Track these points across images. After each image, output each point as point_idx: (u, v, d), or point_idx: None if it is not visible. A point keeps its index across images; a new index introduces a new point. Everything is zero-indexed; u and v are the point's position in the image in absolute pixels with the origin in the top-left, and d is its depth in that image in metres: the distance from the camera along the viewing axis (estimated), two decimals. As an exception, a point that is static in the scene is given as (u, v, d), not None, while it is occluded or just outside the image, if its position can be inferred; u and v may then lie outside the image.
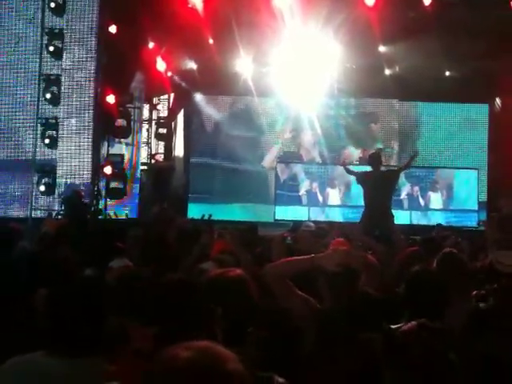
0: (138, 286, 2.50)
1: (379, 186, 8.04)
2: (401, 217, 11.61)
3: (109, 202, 11.06)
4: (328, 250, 2.62)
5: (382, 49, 12.72)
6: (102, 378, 1.92)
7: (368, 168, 8.78)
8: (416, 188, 13.95)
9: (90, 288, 2.12)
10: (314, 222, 9.31)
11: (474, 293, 3.04)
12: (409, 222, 13.03)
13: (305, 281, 2.69)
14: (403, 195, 13.69)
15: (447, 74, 13.58)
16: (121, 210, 11.02)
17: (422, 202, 14.00)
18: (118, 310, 2.27)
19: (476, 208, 13.80)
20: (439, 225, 10.06)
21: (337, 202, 14.11)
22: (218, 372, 1.13)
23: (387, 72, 13.52)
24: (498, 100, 14.40)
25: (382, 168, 8.78)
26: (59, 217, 9.40)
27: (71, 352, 1.92)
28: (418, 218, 13.44)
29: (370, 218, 7.91)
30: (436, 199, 14.06)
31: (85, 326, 1.97)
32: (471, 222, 13.49)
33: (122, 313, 2.30)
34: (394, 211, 8.42)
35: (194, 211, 13.50)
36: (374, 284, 2.67)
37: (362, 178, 8.52)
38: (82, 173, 10.64)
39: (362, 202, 8.78)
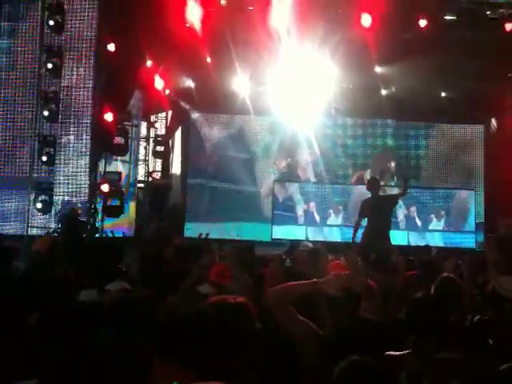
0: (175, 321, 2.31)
1: (377, 211, 8.11)
2: (398, 237, 11.61)
3: (107, 224, 11.02)
4: (329, 275, 2.61)
5: (378, 69, 12.83)
6: None
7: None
8: (413, 208, 13.97)
9: (87, 314, 2.09)
10: (312, 241, 9.30)
11: (476, 318, 3.03)
12: (406, 243, 13.03)
13: (306, 305, 2.67)
14: (400, 216, 13.70)
15: (443, 94, 13.69)
16: (119, 232, 10.92)
17: (418, 222, 14.01)
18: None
19: (473, 229, 13.82)
20: (427, 245, 10.12)
21: (336, 222, 14.10)
22: None
23: (383, 92, 13.62)
24: (493, 121, 14.50)
25: (381, 193, 8.83)
26: (55, 234, 9.36)
27: (66, 380, 1.90)
28: (415, 239, 13.43)
29: (368, 240, 7.94)
30: (433, 220, 14.07)
31: (81, 352, 1.94)
32: (469, 243, 13.49)
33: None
34: (390, 231, 8.46)
35: (191, 230, 13.50)
36: (374, 309, 2.66)
37: (363, 210, 8.59)
38: (79, 190, 10.61)
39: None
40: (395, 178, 14.57)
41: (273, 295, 2.63)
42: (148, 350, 2.56)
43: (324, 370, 2.36)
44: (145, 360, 2.46)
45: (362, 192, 12.71)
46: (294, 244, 9.44)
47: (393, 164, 14.81)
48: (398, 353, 2.41)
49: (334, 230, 13.98)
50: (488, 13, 11.17)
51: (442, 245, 12.95)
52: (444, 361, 2.05)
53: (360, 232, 8.36)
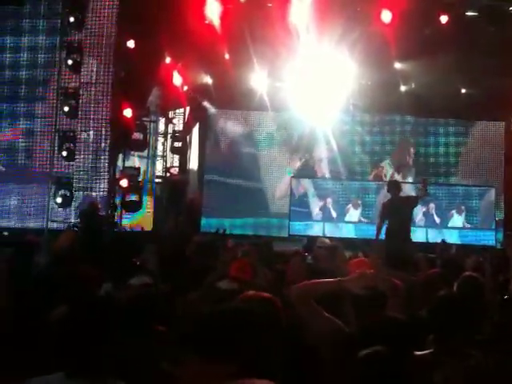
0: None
1: (397, 212, 8.08)
2: (416, 234, 11.53)
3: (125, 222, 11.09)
4: (354, 273, 2.61)
5: (397, 65, 12.73)
6: None
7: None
8: (432, 205, 13.86)
9: (108, 310, 2.10)
10: (329, 238, 9.28)
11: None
12: (425, 240, 12.94)
13: (330, 303, 2.67)
14: (419, 213, 13.60)
15: (463, 91, 13.55)
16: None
17: (437, 219, 13.90)
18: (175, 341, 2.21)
19: (493, 226, 13.68)
20: (443, 241, 10.03)
21: (353, 218, 14.05)
22: None
23: (402, 88, 13.52)
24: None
25: (401, 194, 8.78)
26: (75, 229, 9.45)
27: (90, 373, 1.92)
28: (433, 236, 13.32)
29: (389, 240, 7.93)
30: (452, 217, 13.95)
31: (102, 347, 1.96)
32: (489, 240, 13.36)
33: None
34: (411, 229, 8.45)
35: (208, 225, 13.55)
36: (400, 307, 2.65)
37: (383, 211, 8.56)
38: (98, 185, 10.71)
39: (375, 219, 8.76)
40: (413, 172, 14.48)
41: (297, 292, 2.63)
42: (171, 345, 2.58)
43: (349, 367, 2.36)
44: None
45: (379, 189, 12.69)
46: (311, 240, 9.43)
47: (411, 155, 14.69)
48: (421, 352, 2.39)
49: (351, 226, 13.93)
50: (510, 9, 11.03)
51: (462, 242, 12.83)
52: (473, 361, 2.04)
53: (383, 232, 8.32)
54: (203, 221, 14.19)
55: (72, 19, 10.73)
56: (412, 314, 2.81)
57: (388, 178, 13.95)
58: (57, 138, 10.62)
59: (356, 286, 2.42)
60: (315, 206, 14.20)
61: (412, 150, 14.73)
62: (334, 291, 2.54)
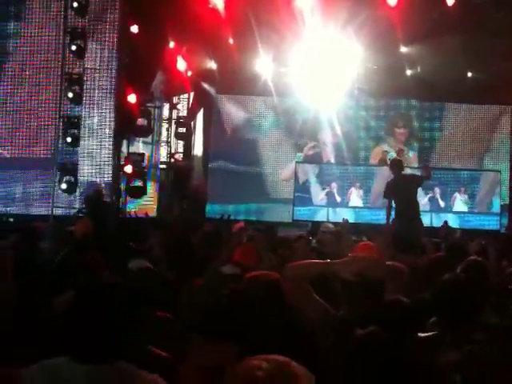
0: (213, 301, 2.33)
1: (402, 190, 7.98)
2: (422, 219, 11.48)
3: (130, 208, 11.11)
4: (346, 257, 2.56)
5: (403, 49, 12.64)
6: (130, 380, 1.92)
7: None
8: (437, 190, 13.82)
9: (114, 293, 2.10)
10: (333, 223, 9.27)
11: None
12: (429, 224, 12.91)
13: (323, 285, 2.68)
14: (425, 198, 13.55)
15: (469, 75, 13.44)
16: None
17: (442, 204, 13.87)
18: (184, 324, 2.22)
19: (498, 211, 13.65)
20: (446, 222, 9.97)
21: (357, 203, 14.04)
22: None
23: (408, 72, 13.42)
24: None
25: (404, 172, 8.70)
26: (80, 215, 9.47)
27: (95, 357, 1.92)
28: (438, 221, 13.31)
29: (397, 221, 7.86)
30: (457, 201, 13.91)
31: (109, 331, 1.96)
32: (493, 225, 13.33)
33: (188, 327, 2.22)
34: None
35: (212, 211, 13.57)
36: (401, 291, 2.63)
37: (386, 190, 8.46)
38: (102, 171, 10.72)
39: (381, 204, 8.70)
40: (417, 156, 14.42)
41: (290, 271, 2.59)
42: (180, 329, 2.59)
43: (335, 349, 2.38)
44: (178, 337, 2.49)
45: (384, 173, 12.62)
46: (316, 225, 9.43)
47: (417, 145, 14.64)
48: (425, 334, 2.38)
49: (356, 211, 13.92)
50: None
51: (466, 227, 12.80)
52: (476, 346, 2.03)
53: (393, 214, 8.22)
54: (208, 207, 14.21)
55: (76, 4, 10.68)
56: (415, 297, 2.80)
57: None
58: (61, 124, 10.61)
59: (345, 271, 2.37)
60: (320, 192, 14.19)
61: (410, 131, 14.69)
62: (322, 273, 2.51)
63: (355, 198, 14.08)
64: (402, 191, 7.97)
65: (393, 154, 14.39)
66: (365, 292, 2.44)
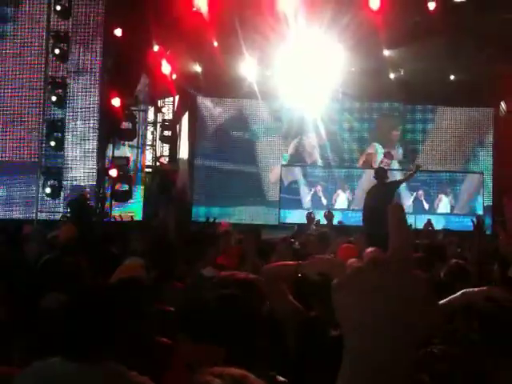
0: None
1: (379, 197, 8.09)
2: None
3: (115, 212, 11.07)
4: (312, 258, 2.59)
5: (386, 52, 12.73)
6: (119, 381, 1.94)
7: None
8: (420, 192, 13.95)
9: (104, 293, 2.13)
10: (319, 225, 9.32)
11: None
12: (413, 227, 13.00)
13: (297, 286, 2.71)
14: (409, 200, 13.67)
15: (452, 77, 13.58)
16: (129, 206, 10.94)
17: (426, 205, 14.00)
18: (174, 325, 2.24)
19: (481, 212, 13.79)
20: (429, 220, 10.10)
21: (344, 205, 14.11)
22: None
23: (392, 76, 13.53)
24: (502, 104, 14.38)
25: (387, 180, 8.80)
26: (65, 219, 9.42)
27: (86, 357, 1.94)
28: (422, 223, 13.42)
29: (372, 225, 7.94)
30: (440, 203, 14.05)
31: (101, 330, 1.98)
32: (476, 226, 13.43)
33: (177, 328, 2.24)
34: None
35: (198, 214, 13.57)
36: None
37: (366, 197, 8.59)
38: (87, 175, 10.68)
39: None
40: (401, 158, 14.53)
41: (265, 272, 2.63)
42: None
43: (309, 350, 2.41)
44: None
45: (369, 176, 12.70)
46: (301, 227, 9.46)
47: (400, 148, 14.75)
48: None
49: (341, 213, 13.99)
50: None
51: (449, 228, 12.92)
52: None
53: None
54: (193, 210, 14.20)
55: (59, 8, 10.65)
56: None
57: (377, 165, 14.01)
58: (45, 127, 10.56)
59: (311, 271, 2.39)
60: (305, 194, 14.24)
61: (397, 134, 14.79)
62: (292, 275, 2.53)
63: (341, 199, 14.16)
64: (378, 198, 8.07)
65: (379, 156, 14.50)
66: (327, 291, 2.45)
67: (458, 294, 2.41)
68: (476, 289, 2.44)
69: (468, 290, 2.43)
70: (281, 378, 2.02)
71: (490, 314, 2.26)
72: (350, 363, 0.82)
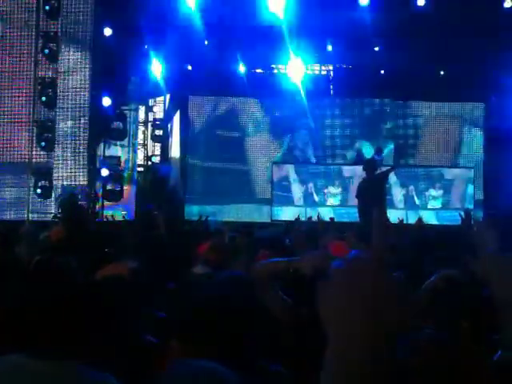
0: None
1: (369, 191, 8.14)
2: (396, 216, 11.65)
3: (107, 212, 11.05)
4: (305, 254, 2.60)
5: (376, 49, 12.75)
6: (83, 381, 1.92)
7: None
8: (411, 187, 14.01)
9: (73, 291, 2.11)
10: (311, 222, 9.32)
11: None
12: (405, 222, 13.05)
13: (288, 283, 2.72)
14: (399, 195, 13.74)
15: (442, 73, 13.62)
16: (118, 212, 11.01)
17: (417, 201, 14.05)
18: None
19: (472, 206, 13.85)
20: (420, 219, 10.15)
21: (335, 202, 14.14)
22: None
23: (382, 72, 13.56)
24: (493, 99, 14.45)
25: (377, 172, 8.84)
26: (56, 220, 9.39)
27: (52, 354, 1.93)
28: (413, 218, 13.47)
29: (363, 219, 7.99)
30: (431, 198, 14.11)
31: (66, 328, 1.97)
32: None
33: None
34: (389, 210, 8.50)
35: (191, 212, 13.56)
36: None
37: (357, 191, 8.64)
38: (78, 175, 10.64)
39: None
40: (392, 154, 14.57)
41: (255, 268, 2.63)
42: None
43: (295, 345, 2.42)
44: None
45: (360, 172, 12.73)
46: (291, 224, 9.48)
47: (392, 144, 14.79)
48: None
49: (334, 209, 14.02)
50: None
51: (440, 223, 13.00)
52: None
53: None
54: (186, 208, 14.19)
55: (48, 7, 10.59)
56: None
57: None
58: (35, 128, 10.52)
59: (304, 267, 2.40)
60: (297, 191, 14.27)
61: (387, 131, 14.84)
62: (284, 271, 2.54)
63: (332, 196, 14.19)
64: (368, 191, 8.11)
65: (369, 152, 14.53)
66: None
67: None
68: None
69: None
70: (276, 368, 2.02)
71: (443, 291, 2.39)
72: (329, 360, 0.84)
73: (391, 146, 14.83)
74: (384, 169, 9.88)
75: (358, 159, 9.42)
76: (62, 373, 1.92)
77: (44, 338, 1.95)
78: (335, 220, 11.90)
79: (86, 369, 1.95)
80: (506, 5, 11.12)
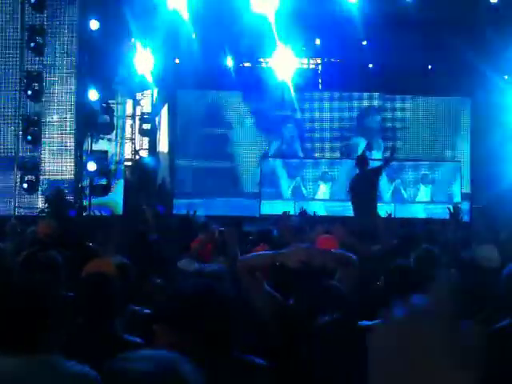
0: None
1: (361, 187, 8.17)
2: (384, 210, 11.70)
3: (94, 202, 10.99)
4: (290, 248, 2.60)
5: (364, 43, 12.77)
6: (58, 375, 1.91)
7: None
8: (399, 181, 14.06)
9: (37, 285, 2.10)
10: (297, 216, 9.35)
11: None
12: (392, 216, 13.12)
13: (274, 276, 2.72)
14: (387, 189, 13.80)
15: (429, 67, 13.67)
16: (106, 210, 10.90)
17: (405, 195, 14.12)
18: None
19: (459, 200, 13.93)
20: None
21: (325, 196, 14.17)
22: None
23: (370, 66, 13.58)
24: (480, 93, 14.51)
25: (369, 167, 8.86)
26: (43, 214, 9.34)
27: (23, 349, 1.91)
28: (401, 212, 13.54)
29: (354, 214, 8.03)
30: (419, 192, 14.19)
31: (35, 323, 1.95)
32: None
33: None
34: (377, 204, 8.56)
35: (179, 207, 13.50)
36: (350, 280, 2.67)
37: (348, 186, 8.68)
38: (65, 170, 10.58)
39: (346, 196, 8.87)
40: (382, 148, 14.62)
41: (241, 263, 2.63)
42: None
43: (286, 339, 2.43)
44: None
45: (350, 166, 12.79)
46: (279, 218, 9.49)
47: (380, 138, 14.84)
48: (369, 323, 2.42)
49: (322, 204, 14.05)
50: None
51: (428, 216, 13.07)
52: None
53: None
54: (174, 202, 14.14)
55: (33, 0, 10.49)
56: (366, 286, 2.86)
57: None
58: (21, 122, 10.43)
59: (290, 261, 2.40)
60: (286, 186, 14.27)
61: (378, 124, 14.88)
62: (269, 265, 2.55)
63: (322, 190, 14.21)
64: (360, 187, 8.15)
65: (360, 147, 14.57)
66: (306, 280, 2.49)
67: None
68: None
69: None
70: (259, 361, 2.03)
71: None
72: None
73: (380, 140, 14.87)
74: (377, 164, 9.88)
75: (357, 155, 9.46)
76: (36, 367, 1.90)
77: (9, 335, 1.93)
78: (322, 214, 12.00)
79: (62, 361, 1.94)
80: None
